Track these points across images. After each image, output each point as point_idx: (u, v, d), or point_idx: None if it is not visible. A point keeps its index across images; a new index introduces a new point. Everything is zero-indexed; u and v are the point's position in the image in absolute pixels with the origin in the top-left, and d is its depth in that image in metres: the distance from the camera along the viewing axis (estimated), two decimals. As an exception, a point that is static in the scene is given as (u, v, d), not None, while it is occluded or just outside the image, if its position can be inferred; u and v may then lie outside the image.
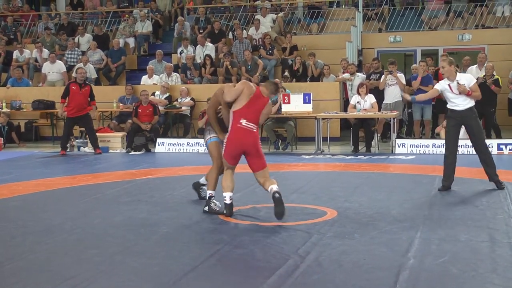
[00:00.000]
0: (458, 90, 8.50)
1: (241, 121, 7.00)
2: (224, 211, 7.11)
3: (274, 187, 6.84)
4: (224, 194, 7.12)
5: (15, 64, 18.42)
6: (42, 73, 17.62)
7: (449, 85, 8.59)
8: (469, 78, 8.78)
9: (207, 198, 7.41)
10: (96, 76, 17.63)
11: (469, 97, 8.55)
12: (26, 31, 21.03)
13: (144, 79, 16.91)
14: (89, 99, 13.76)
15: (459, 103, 8.58)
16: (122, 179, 10.12)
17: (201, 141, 13.78)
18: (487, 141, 12.61)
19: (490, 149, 12.32)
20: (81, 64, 17.23)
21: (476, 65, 14.68)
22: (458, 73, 8.77)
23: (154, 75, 16.83)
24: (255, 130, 7.10)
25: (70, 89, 13.57)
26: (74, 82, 13.74)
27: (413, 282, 4.75)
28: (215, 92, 7.44)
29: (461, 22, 18.29)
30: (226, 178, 7.15)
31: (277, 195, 6.74)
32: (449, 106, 8.72)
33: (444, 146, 8.97)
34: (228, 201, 7.09)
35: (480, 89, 13.26)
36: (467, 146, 12.47)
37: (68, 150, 14.08)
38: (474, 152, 12.35)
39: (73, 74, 15.40)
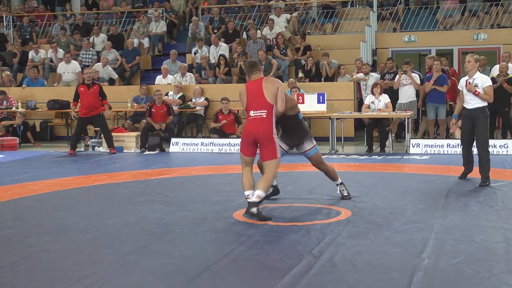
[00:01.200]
0: (466, 88, 8.94)
1: (250, 113, 7.15)
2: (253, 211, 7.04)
3: (256, 195, 6.90)
4: (247, 192, 7.09)
5: (31, 64, 18.54)
6: (57, 73, 17.73)
7: (466, 81, 8.99)
8: (484, 79, 9.05)
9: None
10: (117, 76, 17.70)
11: (479, 98, 8.89)
12: (41, 31, 21.16)
13: (159, 79, 16.96)
14: (100, 98, 13.77)
15: (469, 101, 8.99)
16: (137, 179, 10.15)
17: (215, 141, 13.82)
18: (504, 141, 12.63)
19: (505, 149, 12.36)
20: (99, 65, 17.37)
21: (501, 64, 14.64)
22: (478, 73, 9.08)
23: (168, 75, 16.88)
24: (265, 116, 7.07)
25: (79, 90, 13.69)
26: (82, 84, 13.83)
27: (428, 282, 4.73)
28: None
29: (476, 21, 18.19)
30: (245, 175, 7.15)
31: (251, 207, 6.88)
32: (463, 103, 9.17)
33: None
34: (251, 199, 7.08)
35: (496, 88, 13.36)
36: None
37: (83, 150, 14.18)
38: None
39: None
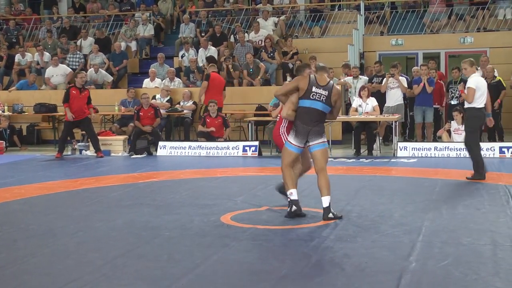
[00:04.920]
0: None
1: None
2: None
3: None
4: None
5: (17, 67, 18.46)
6: (46, 77, 17.62)
7: None
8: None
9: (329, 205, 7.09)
10: (111, 78, 17.67)
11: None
12: (28, 35, 21.06)
13: (146, 82, 16.93)
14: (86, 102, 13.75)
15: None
16: (124, 183, 10.12)
17: (203, 144, 13.80)
18: (490, 144, 12.72)
19: (492, 152, 12.44)
20: (92, 70, 17.33)
21: (479, 68, 14.71)
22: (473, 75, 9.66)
23: (156, 78, 16.85)
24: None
25: (71, 93, 13.57)
26: (74, 87, 13.73)
27: (415, 285, 4.74)
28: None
29: (463, 25, 18.30)
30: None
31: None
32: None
33: None
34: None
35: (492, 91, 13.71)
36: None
37: (70, 153, 14.13)
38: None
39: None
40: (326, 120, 7.30)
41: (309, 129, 7.03)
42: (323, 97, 7.01)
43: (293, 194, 7.10)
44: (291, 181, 7.15)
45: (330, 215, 6.93)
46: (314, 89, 7.02)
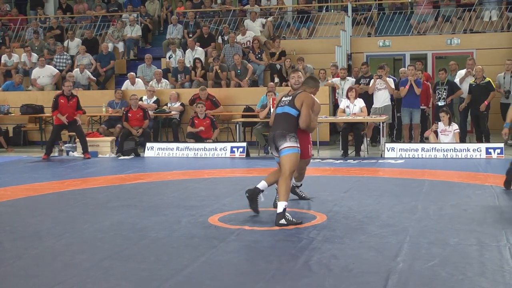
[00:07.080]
0: None
1: None
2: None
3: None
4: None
5: (3, 68, 18.35)
6: (33, 78, 17.54)
7: None
8: None
9: (283, 210, 6.88)
10: (95, 79, 17.62)
11: None
12: (14, 35, 20.96)
13: (127, 84, 16.73)
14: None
15: None
16: (111, 184, 10.09)
17: (190, 145, 13.78)
18: (477, 145, 12.78)
19: (478, 153, 12.49)
20: (77, 70, 17.25)
21: (466, 69, 14.80)
22: None
23: (137, 80, 16.69)
24: None
25: (59, 102, 13.62)
26: (62, 95, 13.76)
27: (403, 286, 4.75)
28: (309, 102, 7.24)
29: (449, 26, 18.39)
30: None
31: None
32: None
33: None
34: None
35: (473, 92, 13.77)
36: (455, 150, 12.54)
37: (57, 155, 14.07)
38: (463, 157, 12.55)
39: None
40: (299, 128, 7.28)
41: (272, 134, 7.24)
42: (287, 101, 7.29)
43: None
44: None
45: (282, 221, 6.75)
46: (283, 98, 7.43)
